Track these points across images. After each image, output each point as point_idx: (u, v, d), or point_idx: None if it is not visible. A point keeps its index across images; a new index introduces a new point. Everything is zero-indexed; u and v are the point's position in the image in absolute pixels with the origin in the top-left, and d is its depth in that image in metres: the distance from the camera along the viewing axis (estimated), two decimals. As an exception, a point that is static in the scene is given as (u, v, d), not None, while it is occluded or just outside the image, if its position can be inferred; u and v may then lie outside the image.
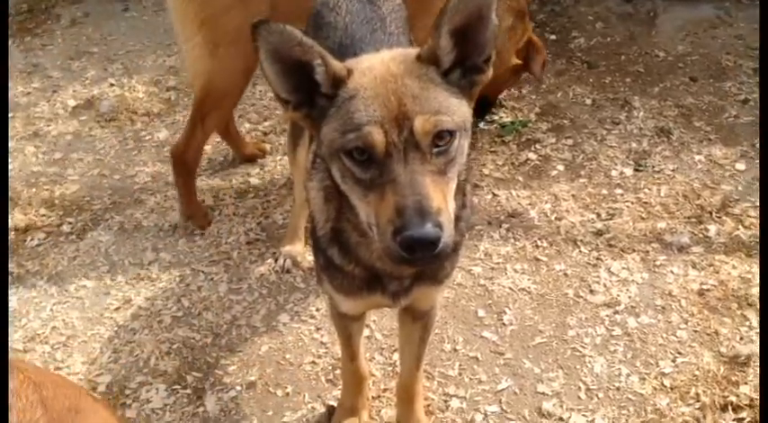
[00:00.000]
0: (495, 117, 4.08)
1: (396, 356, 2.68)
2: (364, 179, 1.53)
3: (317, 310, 2.96)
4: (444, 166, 1.53)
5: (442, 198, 1.50)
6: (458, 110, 1.58)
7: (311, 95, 1.61)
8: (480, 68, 1.65)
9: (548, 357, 2.68)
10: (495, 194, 3.52)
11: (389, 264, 1.78)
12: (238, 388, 2.65)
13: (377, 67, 1.58)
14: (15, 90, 4.56)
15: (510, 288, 2.98)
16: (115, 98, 4.40)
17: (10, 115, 4.31)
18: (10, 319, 2.97)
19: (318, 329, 2.87)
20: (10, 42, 5.31)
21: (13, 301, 3.05)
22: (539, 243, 3.20)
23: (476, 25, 1.59)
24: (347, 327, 2.28)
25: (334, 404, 2.55)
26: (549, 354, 2.69)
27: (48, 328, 2.93)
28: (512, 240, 3.23)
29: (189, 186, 3.35)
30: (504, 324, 2.83)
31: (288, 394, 2.63)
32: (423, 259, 1.49)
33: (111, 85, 4.59)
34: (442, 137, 1.52)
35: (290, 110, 1.63)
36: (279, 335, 2.87)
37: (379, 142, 1.48)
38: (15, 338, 2.89)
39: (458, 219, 1.75)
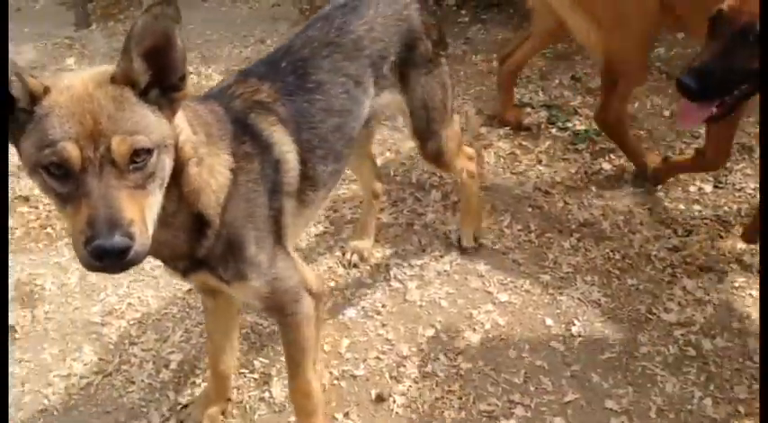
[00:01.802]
0: (569, 124, 4.04)
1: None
2: (62, 193, 1.56)
3: (383, 306, 2.98)
4: (143, 180, 1.58)
5: (137, 210, 1.55)
6: (156, 128, 1.62)
7: (12, 109, 1.61)
8: (177, 86, 1.68)
9: (617, 373, 2.63)
10: (566, 203, 3.48)
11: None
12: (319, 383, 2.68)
13: (75, 87, 1.60)
14: None
15: (579, 299, 2.95)
16: (192, 86, 4.45)
17: None
18: (89, 293, 3.08)
19: (384, 326, 2.88)
20: (93, 26, 5.49)
21: (92, 277, 3.15)
22: (611, 255, 3.15)
23: (165, 48, 1.63)
24: (203, 301, 2.49)
25: (386, 393, 2.61)
26: (618, 369, 2.65)
27: (124, 304, 3.02)
28: (582, 250, 3.19)
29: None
30: (572, 335, 2.79)
31: (350, 388, 2.65)
32: (113, 267, 1.55)
33: (189, 72, 4.68)
34: (140, 155, 1.57)
35: None
36: (344, 328, 2.89)
37: (74, 157, 1.51)
38: (93, 311, 3.00)
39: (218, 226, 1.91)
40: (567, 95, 4.33)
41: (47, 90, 1.58)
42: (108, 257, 1.50)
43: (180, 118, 1.77)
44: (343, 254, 3.24)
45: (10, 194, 3.66)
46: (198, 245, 1.93)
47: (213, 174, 1.90)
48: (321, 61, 2.30)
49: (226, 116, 2.01)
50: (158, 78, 1.65)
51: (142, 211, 1.57)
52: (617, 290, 2.97)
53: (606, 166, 3.71)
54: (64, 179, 1.54)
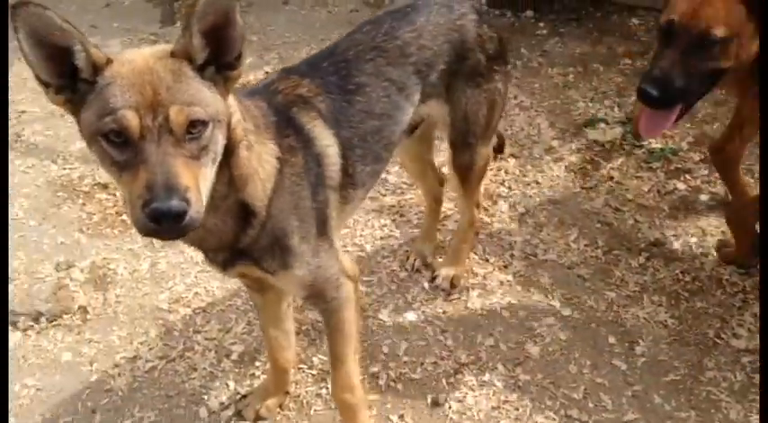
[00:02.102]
0: (644, 142, 3.96)
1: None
2: (120, 161, 1.60)
3: (444, 312, 2.98)
4: (197, 151, 1.63)
5: (191, 178, 1.59)
6: (211, 102, 1.68)
7: (74, 81, 1.66)
8: (232, 65, 1.74)
9: (680, 396, 2.57)
10: (636, 221, 3.41)
11: (189, 238, 1.88)
12: (361, 377, 2.70)
13: (136, 60, 1.65)
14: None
15: (645, 319, 2.88)
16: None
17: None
18: (158, 281, 3.18)
19: (444, 332, 2.88)
20: (178, 24, 5.67)
21: (162, 265, 3.26)
22: (680, 277, 3.07)
23: (225, 26, 1.68)
24: (252, 298, 2.56)
25: (442, 398, 2.61)
26: (681, 392, 2.58)
27: (191, 293, 3.11)
28: (651, 270, 3.12)
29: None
30: (635, 354, 2.73)
31: (407, 390, 2.66)
32: (169, 231, 1.59)
33: (267, 72, 4.79)
34: (195, 126, 1.61)
35: (50, 93, 1.68)
36: (404, 331, 2.90)
37: (133, 125, 1.56)
38: (161, 298, 3.09)
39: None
40: (644, 113, 4.24)
41: (109, 61, 1.64)
42: (165, 220, 1.54)
43: (232, 100, 1.82)
44: (407, 258, 3.26)
45: (90, 181, 3.82)
46: (242, 233, 1.97)
47: (261, 162, 1.94)
48: (364, 64, 2.32)
49: (269, 110, 2.06)
50: (215, 56, 1.71)
51: (196, 180, 1.62)
52: (685, 312, 2.90)
53: (681, 186, 3.62)
54: (122, 147, 1.59)
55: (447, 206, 3.38)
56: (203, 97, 1.66)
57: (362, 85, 2.30)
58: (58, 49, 1.61)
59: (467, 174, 2.80)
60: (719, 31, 2.38)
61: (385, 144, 2.40)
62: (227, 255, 2.03)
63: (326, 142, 2.17)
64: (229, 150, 1.79)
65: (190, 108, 1.60)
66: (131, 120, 1.56)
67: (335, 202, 2.23)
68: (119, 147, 1.59)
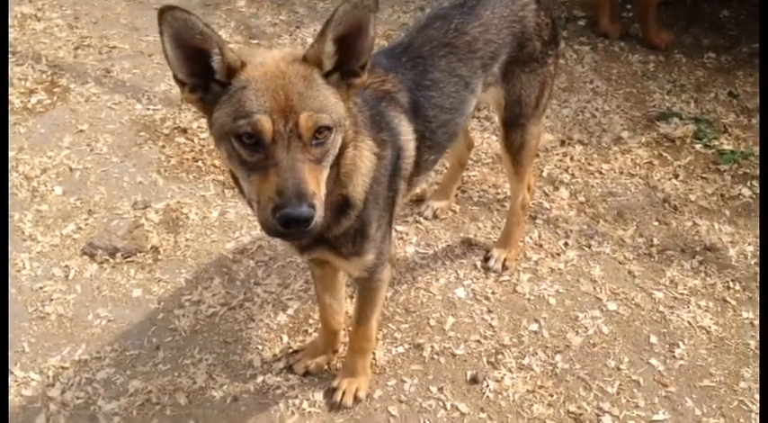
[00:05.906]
0: (716, 142, 3.93)
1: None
2: (249, 161, 1.71)
3: (493, 292, 3.08)
4: (321, 156, 1.74)
5: (316, 183, 1.71)
6: (335, 108, 1.77)
7: (207, 81, 1.75)
8: (356, 73, 1.82)
9: (712, 402, 2.64)
10: (695, 223, 3.43)
11: None
12: (407, 346, 2.85)
13: (269, 64, 1.73)
14: (264, 19, 4.98)
15: (689, 322, 2.94)
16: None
17: (256, 41, 4.73)
18: (226, 229, 3.37)
19: (490, 312, 2.99)
20: None
21: (231, 214, 3.44)
22: (731, 284, 3.10)
23: (356, 35, 1.75)
24: (311, 268, 2.67)
25: (481, 376, 2.73)
26: (714, 399, 2.65)
27: (255, 246, 3.27)
28: (702, 275, 3.16)
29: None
30: (674, 356, 2.80)
31: (448, 365, 2.79)
32: (295, 234, 1.72)
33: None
34: (322, 131, 1.72)
35: (186, 92, 1.78)
36: (452, 307, 3.02)
37: (267, 129, 1.66)
38: (227, 247, 3.27)
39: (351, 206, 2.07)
40: (720, 111, 4.19)
41: (243, 65, 1.74)
42: (295, 225, 1.66)
43: None
44: (424, 208, 3.47)
45: (171, 124, 3.99)
46: (336, 224, 2.10)
47: (362, 158, 2.05)
48: (438, 61, 2.41)
49: (364, 105, 2.15)
50: (341, 63, 1.79)
51: (319, 184, 1.74)
52: (730, 320, 2.94)
53: (746, 191, 3.60)
54: (253, 149, 1.70)
55: (504, 188, 3.45)
56: (329, 104, 1.75)
57: (437, 82, 2.39)
58: (196, 50, 1.71)
59: (518, 152, 2.87)
60: None
61: (450, 135, 2.53)
62: (311, 241, 2.15)
63: (408, 137, 2.28)
64: (339, 151, 1.89)
65: (318, 115, 1.70)
66: (266, 124, 1.66)
67: (403, 190, 2.35)
68: (250, 148, 1.70)
